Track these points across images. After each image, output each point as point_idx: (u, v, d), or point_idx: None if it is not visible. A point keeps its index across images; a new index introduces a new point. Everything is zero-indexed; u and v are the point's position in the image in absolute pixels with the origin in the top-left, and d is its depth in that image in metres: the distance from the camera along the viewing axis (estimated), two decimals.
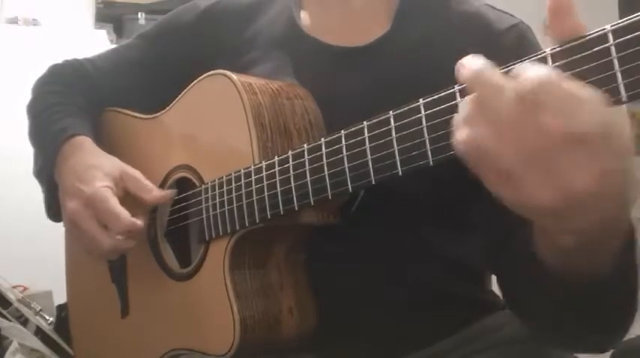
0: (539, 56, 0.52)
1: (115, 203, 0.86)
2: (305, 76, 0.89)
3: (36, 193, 1.00)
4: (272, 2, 0.99)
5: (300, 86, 0.87)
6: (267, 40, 0.95)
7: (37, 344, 1.61)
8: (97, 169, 0.89)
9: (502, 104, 0.47)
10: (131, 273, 0.98)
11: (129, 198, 0.88)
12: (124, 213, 0.85)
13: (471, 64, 0.51)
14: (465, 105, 0.51)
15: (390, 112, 0.64)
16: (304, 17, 0.96)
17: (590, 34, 0.49)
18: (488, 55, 0.87)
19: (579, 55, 0.49)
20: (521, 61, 0.52)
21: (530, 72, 0.47)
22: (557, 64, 0.50)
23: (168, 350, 0.89)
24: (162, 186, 0.92)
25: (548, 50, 0.51)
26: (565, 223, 0.51)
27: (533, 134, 0.46)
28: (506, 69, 0.53)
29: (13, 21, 2.52)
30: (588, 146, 0.46)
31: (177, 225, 0.93)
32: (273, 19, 0.97)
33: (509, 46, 0.85)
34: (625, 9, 3.44)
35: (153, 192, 0.89)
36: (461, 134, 0.50)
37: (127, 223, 0.85)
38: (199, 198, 0.86)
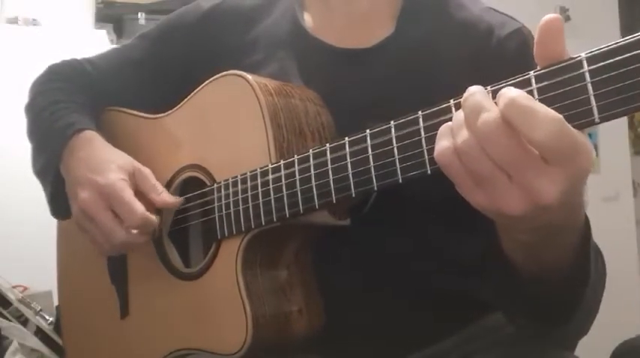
0: (523, 77, 0.56)
1: (130, 195, 0.85)
2: (310, 77, 0.90)
3: (36, 193, 0.99)
4: (275, 4, 0.99)
5: (310, 88, 0.87)
6: (271, 42, 0.95)
7: (37, 344, 1.61)
8: (111, 162, 0.88)
9: (480, 120, 0.52)
10: (132, 273, 0.97)
11: (139, 195, 0.87)
12: (140, 206, 0.84)
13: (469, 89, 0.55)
14: (454, 118, 0.55)
15: (419, 112, 0.64)
16: (308, 19, 0.96)
17: (567, 60, 0.53)
18: (490, 59, 0.88)
19: (558, 79, 0.53)
20: (507, 82, 0.56)
21: (505, 93, 0.52)
22: (539, 85, 0.54)
23: (173, 350, 0.89)
24: (168, 185, 0.92)
25: (532, 72, 0.55)
26: (527, 225, 0.57)
27: (504, 147, 0.51)
28: (495, 87, 0.57)
29: (13, 21, 2.52)
30: (555, 159, 0.50)
31: (183, 224, 0.93)
32: (277, 20, 0.97)
33: (510, 51, 0.86)
34: (625, 9, 3.44)
35: (163, 194, 0.88)
36: (442, 143, 0.55)
37: (142, 216, 0.84)
38: (211, 197, 0.86)
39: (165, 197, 0.88)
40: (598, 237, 0.73)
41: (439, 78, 0.83)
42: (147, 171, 0.89)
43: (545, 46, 0.54)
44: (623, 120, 3.48)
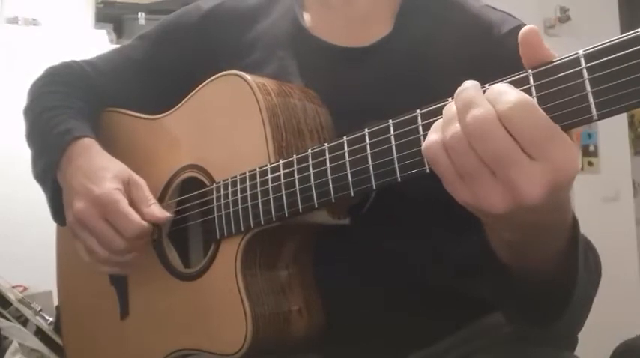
0: (521, 75, 0.56)
1: (126, 205, 0.85)
2: (309, 76, 0.90)
3: (36, 194, 0.99)
4: (274, 4, 0.99)
5: (309, 88, 0.88)
6: (270, 42, 0.95)
7: (37, 344, 1.61)
8: (107, 171, 0.88)
9: (470, 114, 0.53)
10: (132, 273, 0.98)
11: (133, 204, 0.87)
12: (135, 215, 0.84)
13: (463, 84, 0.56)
14: (445, 112, 0.56)
15: (418, 111, 0.64)
16: (307, 18, 0.97)
17: (564, 58, 0.54)
18: (490, 57, 0.88)
19: (555, 76, 0.54)
20: (504, 79, 0.57)
21: (495, 89, 0.54)
22: (537, 83, 0.55)
23: (173, 350, 0.89)
24: (167, 186, 0.92)
25: (529, 70, 0.56)
26: (510, 223, 0.58)
27: (490, 143, 0.52)
28: (493, 84, 0.57)
29: (13, 21, 2.52)
30: (533, 145, 0.51)
31: (183, 224, 0.93)
32: (276, 20, 0.97)
33: (510, 48, 0.85)
34: (625, 9, 3.44)
35: (152, 207, 0.87)
36: (431, 136, 0.56)
37: (138, 226, 0.84)
38: (210, 197, 0.86)
39: (154, 210, 0.87)
40: (598, 237, 0.73)
41: (438, 76, 0.83)
42: (141, 181, 0.89)
43: (531, 57, 0.55)
44: (623, 121, 3.48)
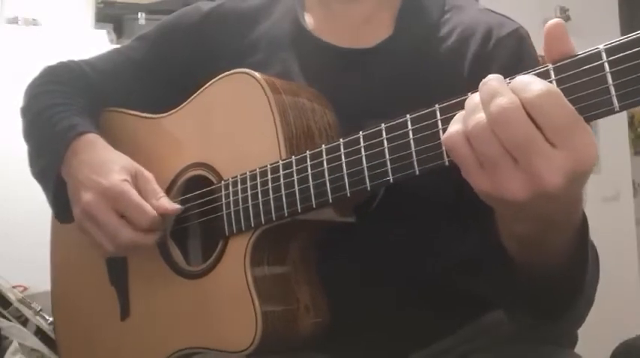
0: (542, 69, 0.57)
1: (137, 196, 0.85)
2: (312, 76, 0.90)
3: (36, 193, 0.99)
4: (275, 5, 1.00)
5: (313, 88, 0.88)
6: (272, 43, 0.95)
7: (37, 344, 1.61)
8: (114, 163, 0.88)
9: (494, 103, 0.53)
10: (133, 273, 0.97)
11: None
12: (148, 206, 0.84)
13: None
14: (467, 103, 0.57)
15: (436, 106, 0.64)
16: (309, 19, 0.97)
17: (585, 52, 0.55)
18: (488, 60, 0.89)
19: (576, 70, 0.55)
20: (526, 73, 0.57)
21: (521, 79, 0.54)
22: (558, 77, 0.56)
23: (177, 349, 0.89)
24: (172, 184, 0.92)
25: (550, 65, 0.57)
26: (527, 214, 0.58)
27: (513, 131, 0.52)
28: (512, 79, 0.57)
29: (13, 21, 2.51)
30: (558, 133, 0.52)
31: (187, 222, 0.92)
32: (278, 21, 0.98)
33: (508, 51, 0.86)
34: (625, 9, 3.43)
35: (162, 200, 0.87)
36: (452, 127, 0.57)
37: (151, 216, 0.84)
38: (219, 195, 0.86)
39: (164, 203, 0.87)
40: (598, 237, 0.74)
41: (438, 78, 0.84)
42: (148, 174, 0.89)
43: (554, 50, 0.56)
44: (623, 121, 3.48)
